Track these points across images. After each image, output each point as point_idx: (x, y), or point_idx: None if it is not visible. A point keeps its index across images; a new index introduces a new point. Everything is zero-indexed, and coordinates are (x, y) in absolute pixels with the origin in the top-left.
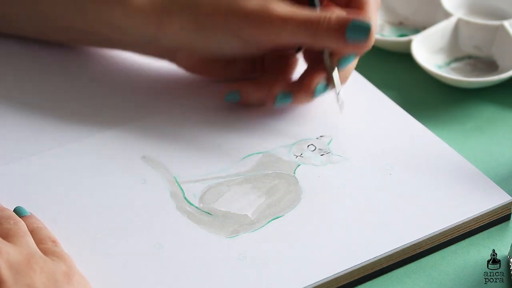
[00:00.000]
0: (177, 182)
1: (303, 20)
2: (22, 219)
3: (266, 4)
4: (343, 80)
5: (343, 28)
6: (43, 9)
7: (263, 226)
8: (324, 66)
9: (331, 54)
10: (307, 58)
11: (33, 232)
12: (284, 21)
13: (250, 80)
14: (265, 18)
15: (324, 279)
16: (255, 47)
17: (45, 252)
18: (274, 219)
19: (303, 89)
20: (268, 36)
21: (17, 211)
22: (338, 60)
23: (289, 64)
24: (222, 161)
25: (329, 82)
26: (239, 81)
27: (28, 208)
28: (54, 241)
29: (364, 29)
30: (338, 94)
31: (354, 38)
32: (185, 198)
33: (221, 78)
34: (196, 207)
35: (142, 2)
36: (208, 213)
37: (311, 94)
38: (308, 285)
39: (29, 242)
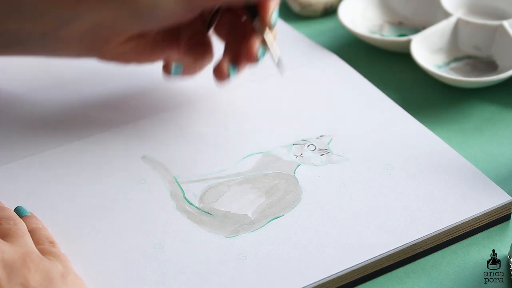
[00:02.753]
0: (177, 182)
1: None
2: (22, 219)
3: None
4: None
5: None
6: None
7: (263, 226)
8: (251, 33)
9: (258, 17)
10: (221, 34)
11: (32, 232)
12: None
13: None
14: None
15: (324, 279)
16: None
17: (42, 252)
18: (274, 219)
19: (246, 56)
20: None
21: (18, 211)
22: (268, 21)
23: (207, 43)
24: (222, 161)
25: (264, 45)
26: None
27: (28, 207)
28: (51, 242)
29: None
30: (274, 55)
31: None
32: (185, 198)
33: (140, 62)
34: (196, 207)
35: None
36: (208, 213)
37: (256, 59)
38: (308, 285)
39: (27, 241)
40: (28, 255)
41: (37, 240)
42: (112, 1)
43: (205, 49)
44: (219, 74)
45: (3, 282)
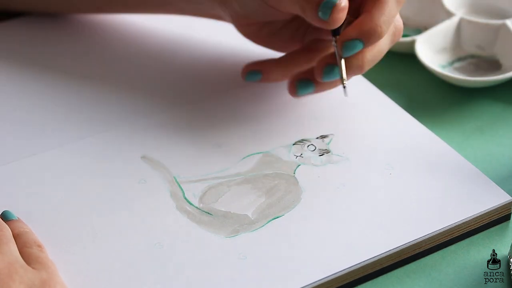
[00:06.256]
0: (177, 182)
1: None
2: (8, 223)
3: None
4: (355, 67)
5: (316, 6)
6: None
7: (263, 225)
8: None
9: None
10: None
11: (19, 235)
12: None
13: (272, 60)
14: None
15: (324, 278)
16: (273, 12)
17: (29, 256)
18: (274, 218)
19: (315, 71)
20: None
21: (4, 215)
22: (342, 45)
23: (322, 48)
24: (222, 161)
25: (339, 68)
26: (260, 61)
27: (27, 208)
28: (39, 246)
29: (328, 7)
30: (343, 80)
31: (322, 14)
32: (185, 198)
33: (265, 45)
34: (196, 207)
35: None
36: (208, 213)
37: (320, 76)
38: (308, 285)
39: (12, 249)
40: (13, 265)
41: (24, 243)
42: None
43: (319, 53)
44: (290, 88)
45: None
